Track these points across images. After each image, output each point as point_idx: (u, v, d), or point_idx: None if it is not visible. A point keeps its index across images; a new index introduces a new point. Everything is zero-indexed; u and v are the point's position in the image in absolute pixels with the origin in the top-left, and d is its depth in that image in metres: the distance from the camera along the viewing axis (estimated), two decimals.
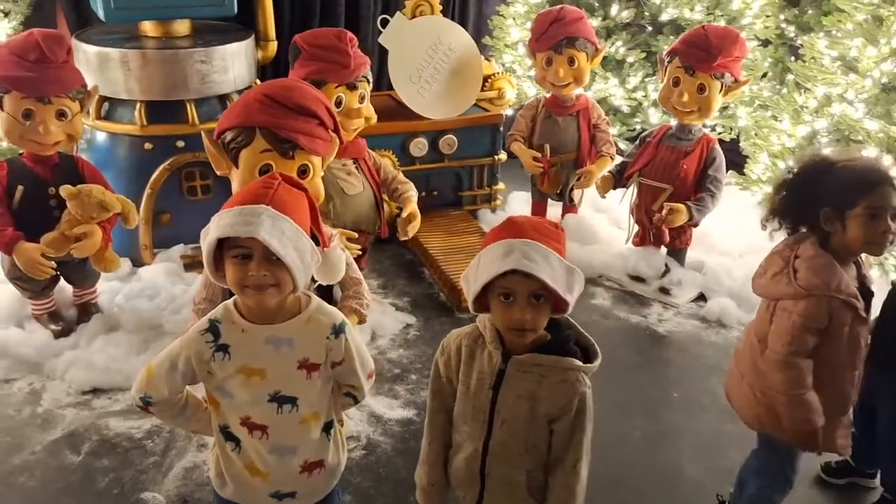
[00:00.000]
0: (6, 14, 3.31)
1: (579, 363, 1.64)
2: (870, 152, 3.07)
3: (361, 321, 2.47)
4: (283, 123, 2.20)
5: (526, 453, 1.65)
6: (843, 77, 3.24)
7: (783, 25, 4.17)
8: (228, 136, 2.22)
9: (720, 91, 3.29)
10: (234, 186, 2.27)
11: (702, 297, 3.56)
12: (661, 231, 3.48)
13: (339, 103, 2.89)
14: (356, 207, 3.01)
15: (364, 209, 3.04)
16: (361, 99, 2.97)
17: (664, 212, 3.29)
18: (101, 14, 3.33)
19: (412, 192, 3.10)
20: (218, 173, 2.33)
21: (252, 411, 1.60)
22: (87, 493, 2.41)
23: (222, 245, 1.51)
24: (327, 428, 1.70)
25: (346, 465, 2.45)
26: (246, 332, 1.58)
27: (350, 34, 2.92)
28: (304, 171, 2.29)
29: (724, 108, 4.18)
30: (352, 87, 2.91)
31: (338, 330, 1.63)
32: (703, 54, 3.23)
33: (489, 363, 1.65)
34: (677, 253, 3.64)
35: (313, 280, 1.72)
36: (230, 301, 1.62)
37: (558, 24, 3.57)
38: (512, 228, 1.58)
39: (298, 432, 1.64)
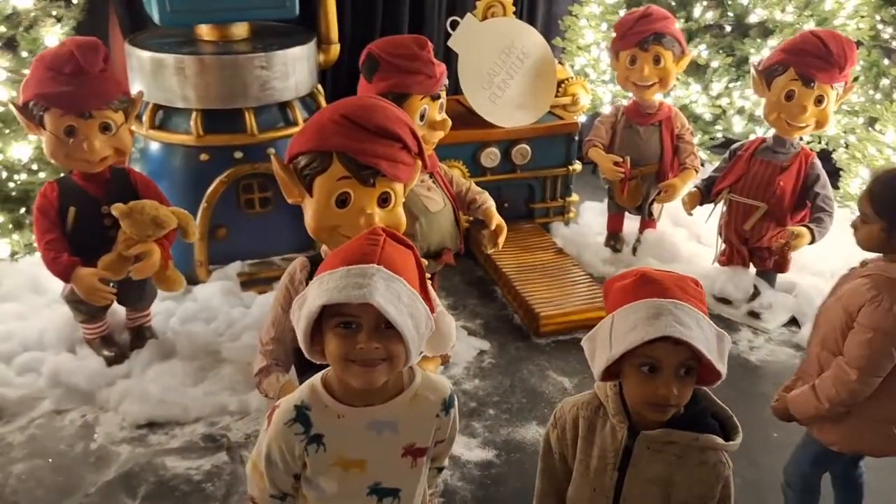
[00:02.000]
0: (59, 19, 3.13)
1: (721, 441, 1.42)
2: None
3: (445, 362, 2.25)
4: (363, 148, 1.97)
5: None
6: None
7: (879, 26, 3.85)
8: (302, 161, 2.00)
9: (836, 101, 3.03)
10: (307, 218, 2.06)
11: (794, 322, 3.30)
12: (787, 260, 3.27)
13: (422, 116, 2.68)
14: (441, 224, 2.79)
15: (447, 225, 2.82)
16: (441, 108, 2.76)
17: (789, 236, 3.02)
18: (155, 17, 3.15)
19: (490, 202, 2.89)
20: (289, 201, 2.11)
21: None
22: None
23: (321, 314, 1.28)
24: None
25: None
26: (343, 417, 1.36)
27: (429, 42, 2.70)
28: (385, 200, 2.06)
29: None
30: (435, 98, 2.70)
31: (448, 405, 1.42)
32: (824, 63, 2.94)
33: (613, 439, 1.44)
34: (767, 274, 3.37)
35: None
36: (317, 379, 1.39)
37: (646, 21, 3.36)
38: (653, 287, 1.37)
39: None
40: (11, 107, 2.61)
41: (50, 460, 2.52)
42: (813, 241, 3.04)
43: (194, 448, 2.60)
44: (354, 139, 1.97)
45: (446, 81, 2.78)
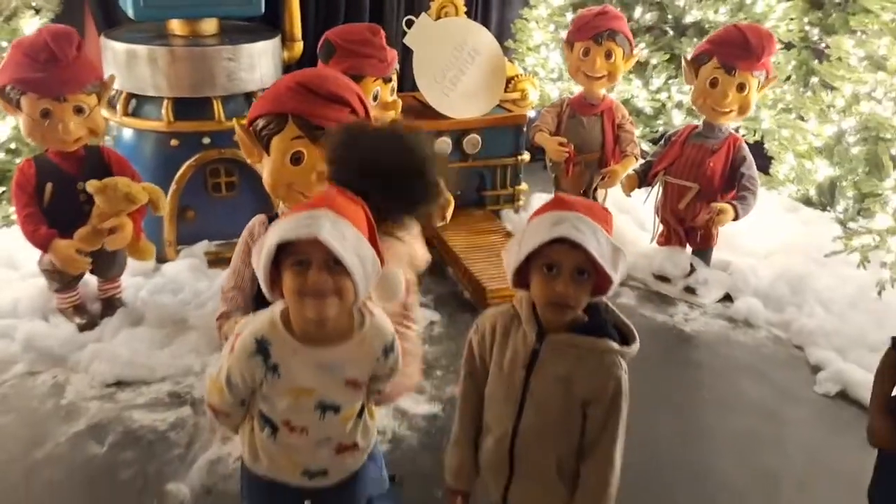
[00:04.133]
0: (37, 11, 3.34)
1: (616, 345, 1.61)
2: None
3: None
4: (315, 111, 2.18)
5: (558, 437, 1.62)
6: (871, 75, 3.21)
7: (807, 28, 4.15)
8: (260, 123, 2.21)
9: (757, 88, 3.29)
10: (265, 176, 2.26)
11: (728, 298, 3.52)
12: (710, 234, 3.45)
13: (375, 97, 2.91)
14: None
15: None
16: (392, 91, 2.99)
17: (713, 212, 3.26)
18: (130, 12, 3.36)
19: None
20: (249, 161, 2.32)
21: (294, 417, 1.59)
22: (111, 485, 2.38)
23: (280, 261, 1.46)
24: (360, 414, 1.68)
25: None
26: (297, 353, 1.54)
27: (381, 29, 2.94)
28: None
29: None
30: (387, 81, 2.94)
31: (388, 350, 1.60)
32: (744, 53, 3.23)
33: (524, 343, 1.63)
34: (703, 253, 3.61)
35: None
36: (276, 314, 1.55)
37: (602, 17, 3.62)
38: (562, 203, 1.57)
39: (336, 428, 1.63)
40: None
41: (21, 416, 2.66)
42: (737, 217, 3.29)
43: (160, 403, 2.75)
44: (307, 103, 2.19)
45: (397, 66, 3.02)
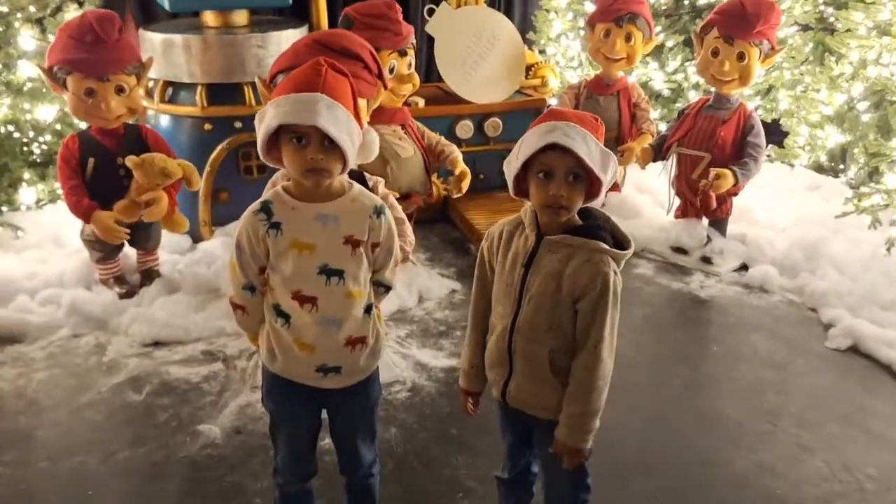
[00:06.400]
0: (81, 4, 3.59)
1: (605, 246, 1.69)
2: None
3: (405, 259, 2.59)
4: (332, 63, 2.35)
5: (550, 330, 1.71)
6: (877, 40, 3.29)
7: (822, 8, 4.21)
8: (279, 78, 2.38)
9: (759, 58, 3.38)
10: None
11: (744, 268, 3.60)
12: (708, 197, 3.51)
13: (391, 69, 3.07)
14: (410, 170, 3.17)
15: (416, 171, 3.20)
16: (409, 66, 3.14)
17: (711, 177, 3.34)
18: (166, 4, 3.58)
19: (458, 153, 3.26)
20: None
21: (303, 284, 1.72)
22: (148, 426, 2.55)
23: (277, 130, 1.63)
24: (368, 310, 1.81)
25: (392, 403, 2.60)
26: (296, 209, 1.70)
27: (397, 4, 3.11)
28: None
29: (767, 90, 4.23)
30: (402, 54, 3.10)
31: (379, 211, 1.75)
32: (742, 23, 3.34)
33: (524, 244, 1.74)
34: (719, 224, 3.69)
35: None
36: (279, 186, 1.75)
37: (623, 1, 3.75)
38: (555, 114, 1.68)
39: (344, 306, 1.75)
40: (38, 69, 3.01)
41: (66, 370, 2.85)
42: (736, 182, 3.37)
43: (194, 360, 2.92)
44: (323, 57, 2.36)
45: (413, 40, 3.18)
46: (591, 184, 1.66)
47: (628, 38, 3.76)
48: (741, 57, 3.37)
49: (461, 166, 3.22)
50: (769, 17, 3.31)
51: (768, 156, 4.15)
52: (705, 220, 3.72)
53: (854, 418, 2.57)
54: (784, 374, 2.82)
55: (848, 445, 2.44)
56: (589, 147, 1.61)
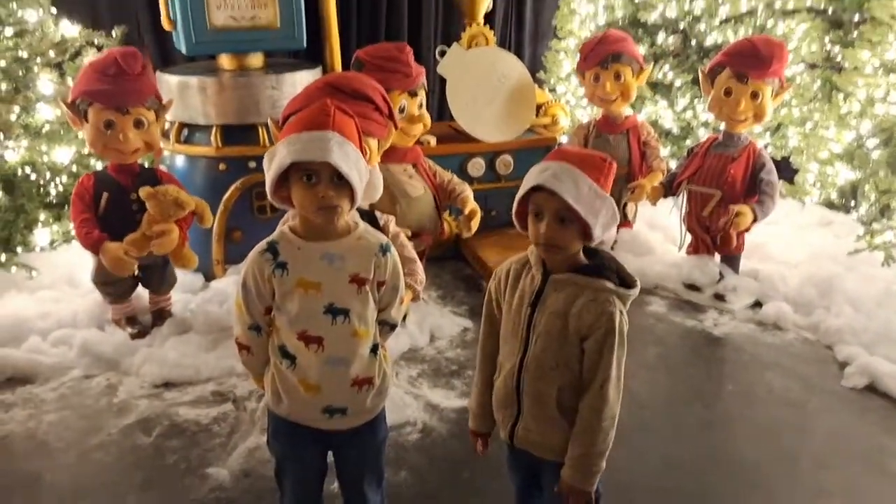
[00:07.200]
0: (99, 48, 3.65)
1: (611, 285, 1.69)
2: None
3: (415, 298, 2.59)
4: (339, 105, 2.38)
5: (557, 368, 1.71)
6: (884, 79, 3.30)
7: (829, 47, 4.24)
8: (291, 120, 2.41)
9: (771, 96, 3.39)
10: None
11: (757, 305, 3.57)
12: (729, 235, 3.49)
13: (401, 109, 3.10)
14: (420, 208, 3.18)
15: (426, 210, 3.21)
16: (420, 105, 3.18)
17: (731, 214, 3.35)
18: (182, 48, 3.64)
19: (469, 192, 3.27)
20: None
21: (308, 324, 1.72)
22: (157, 468, 2.53)
23: (287, 169, 1.65)
24: (374, 350, 1.81)
25: (403, 445, 2.58)
26: (302, 249, 1.71)
27: (408, 46, 3.15)
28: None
29: (777, 128, 4.24)
30: (413, 94, 3.13)
31: (385, 249, 1.76)
32: (755, 62, 3.36)
33: (531, 283, 1.75)
34: (731, 260, 3.68)
35: None
36: (286, 226, 1.76)
37: (603, 44, 3.79)
38: (558, 154, 1.69)
39: (350, 345, 1.75)
40: (60, 103, 3.04)
41: (77, 411, 2.84)
42: (755, 219, 3.37)
43: (204, 401, 2.91)
44: (334, 100, 2.39)
45: (424, 82, 3.21)
46: (583, 226, 1.64)
47: (618, 77, 3.79)
48: (755, 95, 3.38)
49: (471, 205, 3.24)
50: (780, 55, 3.34)
51: (780, 192, 4.14)
52: (717, 257, 3.71)
53: (873, 459, 2.52)
54: (801, 413, 2.78)
55: (868, 488, 2.40)
56: (579, 190, 1.61)
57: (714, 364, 3.18)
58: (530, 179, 1.65)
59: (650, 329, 3.39)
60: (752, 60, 3.35)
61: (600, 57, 3.77)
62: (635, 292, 1.74)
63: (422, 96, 3.20)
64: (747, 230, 3.56)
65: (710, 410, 2.83)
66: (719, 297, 3.58)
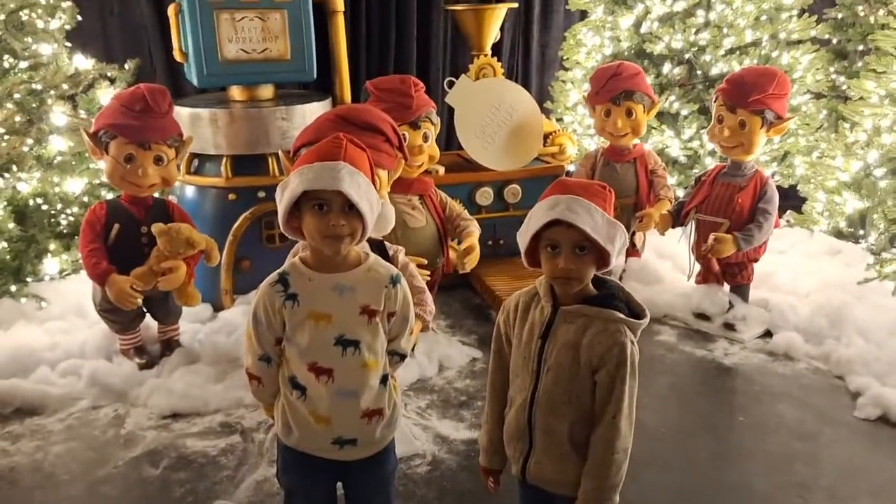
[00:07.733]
0: (112, 81, 3.70)
1: (621, 315, 1.70)
2: None
3: (424, 328, 2.59)
4: (352, 139, 2.40)
5: (569, 403, 1.70)
6: (891, 108, 3.31)
7: (833, 77, 4.27)
8: (303, 151, 2.43)
9: (762, 127, 3.39)
10: None
11: (767, 334, 3.55)
12: (710, 262, 3.47)
13: None
14: (417, 240, 3.17)
15: (426, 243, 3.20)
16: (426, 138, 3.19)
17: (710, 241, 3.34)
18: (194, 80, 3.68)
19: (473, 228, 3.26)
20: None
21: (319, 355, 1.72)
22: (164, 501, 2.52)
23: (299, 199, 1.67)
24: (384, 381, 1.80)
25: (412, 478, 2.56)
26: (312, 280, 1.72)
27: (414, 79, 3.18)
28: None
29: (783, 157, 4.25)
30: (415, 126, 3.15)
31: (395, 280, 1.77)
32: (740, 91, 3.38)
33: (541, 315, 1.75)
34: (740, 290, 3.66)
35: None
36: (297, 258, 1.77)
37: (617, 79, 3.77)
38: (560, 187, 1.70)
39: (360, 377, 1.75)
40: (83, 133, 3.06)
41: (84, 443, 2.84)
42: (738, 248, 3.37)
43: (212, 432, 2.90)
44: (345, 131, 2.41)
45: (432, 114, 3.24)
46: (600, 254, 1.67)
47: (629, 114, 3.78)
48: (742, 125, 3.39)
49: (469, 242, 3.21)
50: (766, 87, 3.32)
51: (788, 221, 4.14)
52: (727, 286, 3.70)
53: (887, 492, 2.49)
54: (813, 444, 2.75)
55: None
56: (594, 219, 1.63)
57: (725, 394, 3.16)
58: (541, 216, 1.65)
59: (660, 359, 3.37)
60: (739, 90, 3.39)
61: (613, 93, 3.76)
62: (645, 322, 1.74)
63: (426, 128, 3.21)
64: (754, 259, 3.56)
65: (722, 443, 2.80)
66: (729, 327, 3.57)
